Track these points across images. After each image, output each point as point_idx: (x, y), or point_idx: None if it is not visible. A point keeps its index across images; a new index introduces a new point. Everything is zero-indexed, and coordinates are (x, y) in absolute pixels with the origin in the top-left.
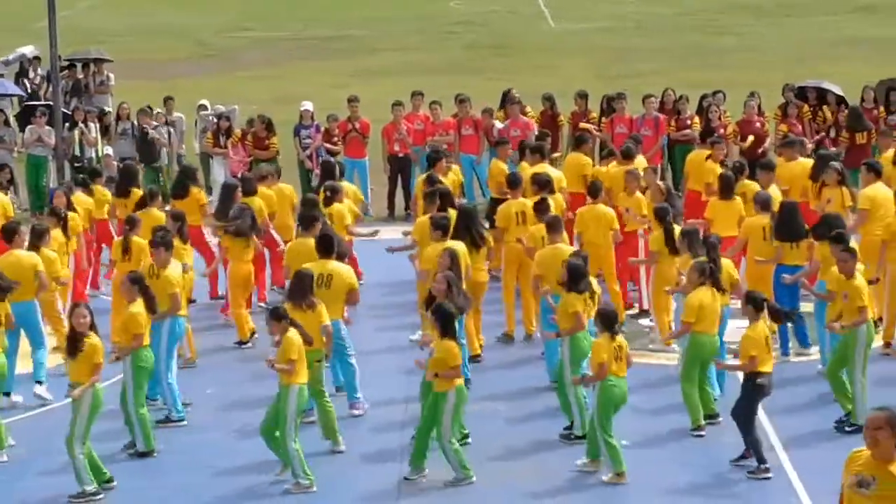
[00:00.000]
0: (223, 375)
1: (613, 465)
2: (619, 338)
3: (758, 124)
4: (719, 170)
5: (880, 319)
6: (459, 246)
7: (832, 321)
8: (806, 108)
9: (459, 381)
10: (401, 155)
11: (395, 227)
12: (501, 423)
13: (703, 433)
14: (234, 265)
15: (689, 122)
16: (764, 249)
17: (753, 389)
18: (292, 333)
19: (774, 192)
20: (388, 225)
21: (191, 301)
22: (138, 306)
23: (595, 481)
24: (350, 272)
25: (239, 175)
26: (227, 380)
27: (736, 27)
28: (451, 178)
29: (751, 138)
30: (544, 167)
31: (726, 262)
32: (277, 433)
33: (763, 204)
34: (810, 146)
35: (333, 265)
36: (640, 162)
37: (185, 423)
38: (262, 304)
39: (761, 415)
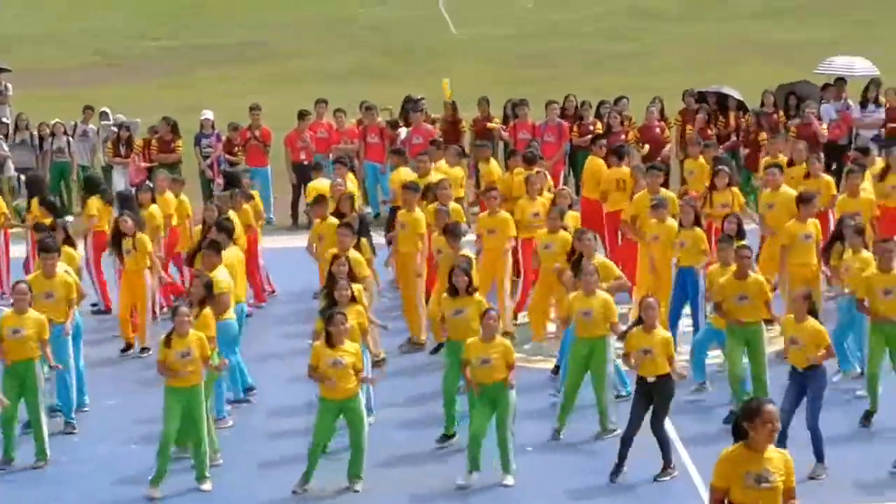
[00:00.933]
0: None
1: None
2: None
3: (657, 130)
4: (619, 176)
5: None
6: (353, 253)
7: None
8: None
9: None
10: (305, 163)
11: (300, 236)
12: (401, 430)
13: None
14: (125, 274)
15: (591, 127)
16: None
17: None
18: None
19: (669, 195)
20: (291, 233)
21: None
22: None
23: (491, 485)
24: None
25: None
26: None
27: (636, 32)
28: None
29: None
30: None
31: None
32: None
33: (656, 206)
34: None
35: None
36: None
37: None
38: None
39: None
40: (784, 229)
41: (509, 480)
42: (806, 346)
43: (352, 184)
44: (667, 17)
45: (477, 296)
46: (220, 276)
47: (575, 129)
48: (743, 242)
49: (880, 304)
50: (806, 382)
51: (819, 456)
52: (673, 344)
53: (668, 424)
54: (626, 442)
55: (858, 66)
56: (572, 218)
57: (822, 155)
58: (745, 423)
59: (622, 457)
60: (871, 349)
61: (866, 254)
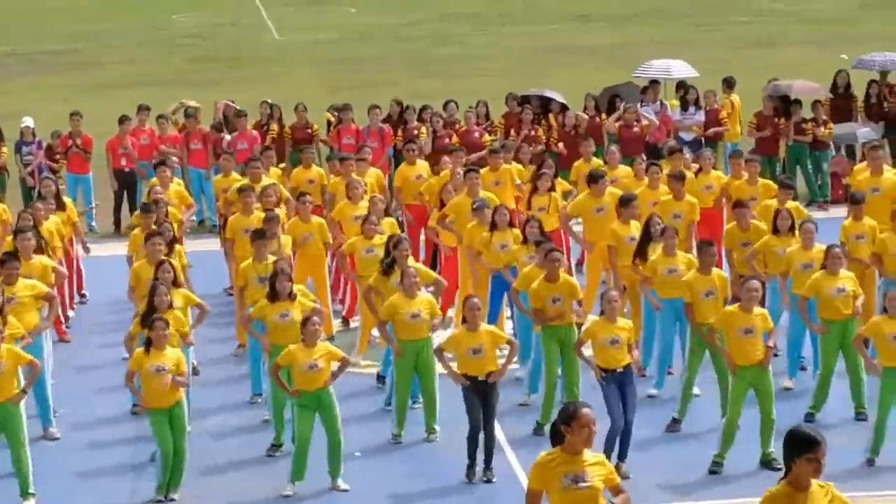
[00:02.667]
0: None
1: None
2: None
3: (476, 134)
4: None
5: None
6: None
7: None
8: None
9: None
10: (126, 170)
11: (122, 242)
12: (228, 438)
13: None
14: None
15: (415, 132)
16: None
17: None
18: None
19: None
20: (113, 240)
21: None
22: None
23: (314, 492)
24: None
25: None
26: None
27: (459, 36)
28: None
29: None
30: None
31: None
32: None
33: (478, 209)
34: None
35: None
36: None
37: None
38: None
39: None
40: (609, 231)
41: (344, 485)
42: (623, 344)
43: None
44: (490, 22)
45: (300, 299)
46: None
47: (399, 133)
48: (552, 246)
49: (700, 306)
50: (624, 381)
51: (623, 454)
52: (502, 333)
53: (497, 427)
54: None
55: (675, 69)
56: (389, 224)
57: (644, 157)
58: (562, 426)
59: (471, 455)
60: (690, 360)
61: (682, 255)
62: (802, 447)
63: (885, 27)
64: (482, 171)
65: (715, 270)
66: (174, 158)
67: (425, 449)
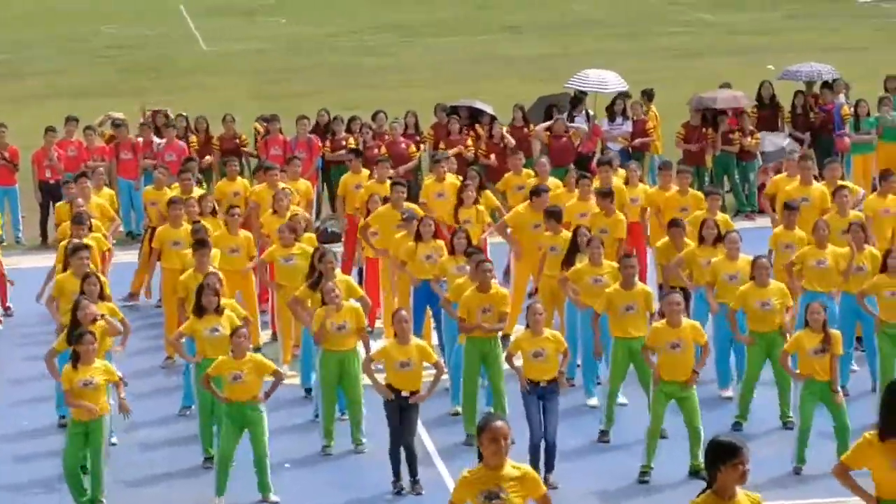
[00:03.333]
0: None
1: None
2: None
3: (403, 145)
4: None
5: None
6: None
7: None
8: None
9: None
10: (52, 181)
11: (49, 255)
12: (155, 450)
13: None
14: None
15: (343, 143)
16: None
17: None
18: None
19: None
20: (40, 252)
21: None
22: None
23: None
24: None
25: None
26: None
27: (388, 47)
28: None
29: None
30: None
31: None
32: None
33: (407, 220)
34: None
35: None
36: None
37: None
38: None
39: (420, 428)
40: (544, 239)
41: (274, 497)
42: (548, 357)
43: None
44: (420, 32)
45: (228, 313)
46: None
47: (327, 143)
48: (483, 257)
49: (620, 320)
50: (546, 395)
51: (550, 465)
52: (431, 351)
53: (425, 438)
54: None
55: (611, 81)
56: (308, 239)
57: (573, 167)
58: (477, 439)
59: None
60: (612, 371)
61: (608, 265)
62: (726, 455)
63: (810, 38)
64: (427, 180)
65: (640, 285)
66: (101, 170)
67: (354, 460)
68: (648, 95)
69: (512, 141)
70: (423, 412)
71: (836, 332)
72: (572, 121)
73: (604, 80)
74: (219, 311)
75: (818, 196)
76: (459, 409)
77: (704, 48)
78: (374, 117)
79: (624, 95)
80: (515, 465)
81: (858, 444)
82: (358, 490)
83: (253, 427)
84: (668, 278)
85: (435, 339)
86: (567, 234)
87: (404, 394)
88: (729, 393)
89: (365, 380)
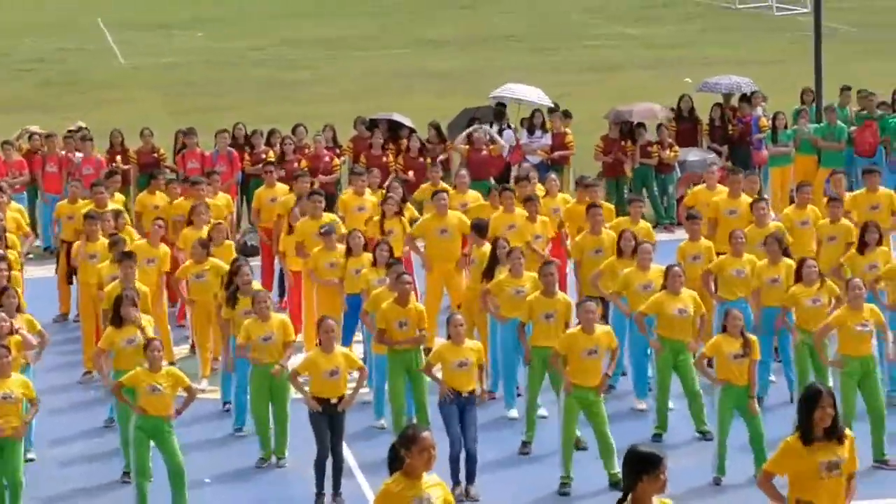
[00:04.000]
0: None
1: None
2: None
3: (326, 158)
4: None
5: None
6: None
7: None
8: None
9: None
10: None
11: None
12: (76, 465)
13: None
14: None
15: (263, 156)
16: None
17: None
18: None
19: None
20: None
21: None
22: None
23: None
24: None
25: None
26: None
27: (307, 61)
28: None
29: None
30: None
31: None
32: None
33: (325, 234)
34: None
35: None
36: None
37: None
38: None
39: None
40: (450, 252)
41: None
42: (471, 368)
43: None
44: (339, 46)
45: (143, 323)
46: None
47: (247, 157)
48: (403, 269)
49: (539, 328)
50: (465, 406)
51: (471, 477)
52: (355, 357)
53: (346, 452)
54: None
55: (533, 94)
56: (227, 248)
57: (492, 180)
58: (402, 450)
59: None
60: (530, 381)
61: (529, 276)
62: (644, 465)
63: (728, 51)
64: (345, 194)
65: (560, 294)
66: (24, 181)
67: (276, 474)
68: (564, 114)
69: (435, 154)
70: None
71: (754, 338)
72: (501, 134)
73: (527, 93)
74: (137, 322)
75: (745, 208)
76: (384, 422)
77: (623, 61)
78: (294, 130)
79: (549, 109)
80: (430, 475)
81: (781, 449)
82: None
83: (164, 441)
84: (586, 287)
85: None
86: (488, 247)
87: (333, 401)
88: (643, 406)
89: (293, 393)
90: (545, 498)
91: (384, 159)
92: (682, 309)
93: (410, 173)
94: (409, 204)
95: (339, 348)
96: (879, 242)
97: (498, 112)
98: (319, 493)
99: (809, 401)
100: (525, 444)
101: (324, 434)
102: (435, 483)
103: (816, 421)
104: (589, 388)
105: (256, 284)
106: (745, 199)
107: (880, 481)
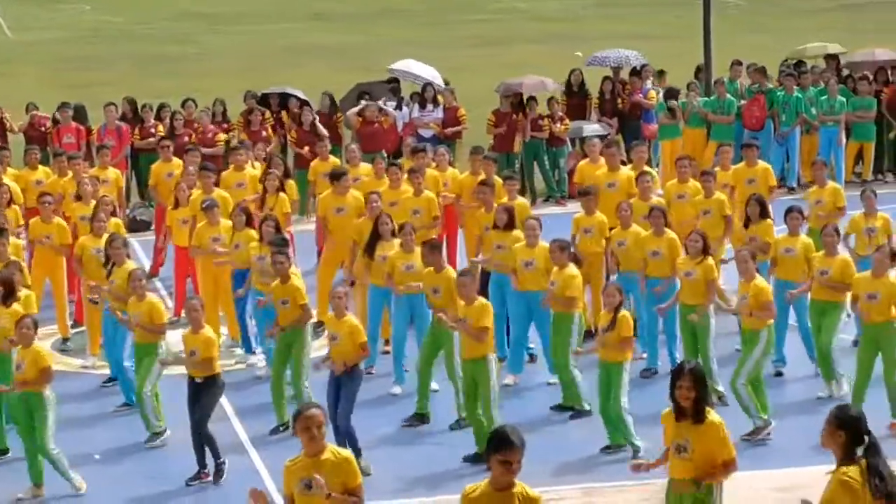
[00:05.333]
0: None
1: None
2: None
3: (210, 134)
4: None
5: None
6: None
7: None
8: (268, 114)
9: None
10: None
11: None
12: None
13: None
14: None
15: (152, 130)
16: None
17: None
18: None
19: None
20: None
21: None
22: None
23: (55, 494)
24: None
25: None
26: None
27: (194, 35)
28: None
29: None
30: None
31: None
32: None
33: (207, 208)
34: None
35: None
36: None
37: None
38: None
39: (231, 416)
40: (354, 226)
41: (80, 487)
42: (339, 342)
43: None
44: (228, 20)
45: (15, 306)
46: None
47: (136, 131)
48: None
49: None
50: (342, 383)
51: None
52: (216, 345)
53: (237, 427)
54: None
55: (428, 73)
56: (114, 225)
57: (385, 154)
58: (293, 430)
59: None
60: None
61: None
62: (497, 447)
63: (618, 25)
64: (226, 171)
65: (447, 269)
66: None
67: (162, 450)
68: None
69: (324, 132)
70: (236, 401)
71: (624, 315)
72: (399, 109)
73: (425, 71)
74: (10, 301)
75: (624, 181)
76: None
77: (512, 35)
78: (183, 105)
79: (426, 83)
80: (336, 450)
81: (661, 416)
82: (170, 481)
83: (35, 414)
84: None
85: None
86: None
87: (198, 379)
88: (514, 380)
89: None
90: (438, 472)
91: (264, 133)
92: (553, 282)
93: (305, 148)
94: (290, 181)
95: (206, 331)
96: (763, 216)
97: (392, 88)
98: (202, 465)
99: (672, 376)
100: (419, 415)
101: (191, 411)
102: (333, 462)
103: (677, 398)
104: (470, 360)
105: (131, 263)
106: (625, 172)
107: None
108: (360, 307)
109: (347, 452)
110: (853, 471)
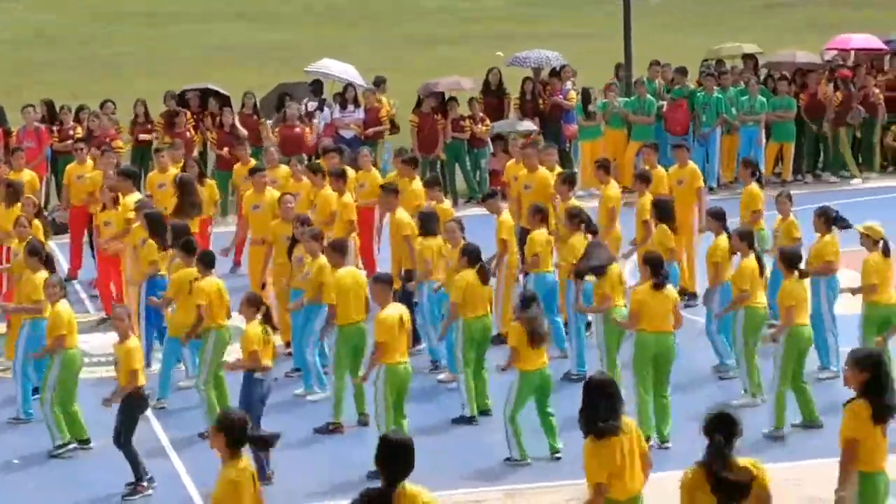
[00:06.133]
0: None
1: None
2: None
3: (109, 140)
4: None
5: None
6: None
7: None
8: (189, 114)
9: None
10: None
11: None
12: None
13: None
14: None
15: (71, 132)
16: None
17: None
18: None
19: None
20: None
21: None
22: None
23: None
24: None
25: None
26: None
27: (128, 35)
28: None
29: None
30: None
31: None
32: None
33: (143, 208)
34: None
35: None
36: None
37: None
38: None
39: (153, 420)
40: (270, 228)
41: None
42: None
43: None
44: (159, 21)
45: None
46: None
47: (55, 133)
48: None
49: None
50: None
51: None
52: (138, 356)
53: (158, 430)
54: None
55: (348, 72)
56: (35, 227)
57: (304, 157)
58: None
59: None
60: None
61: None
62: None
63: (539, 25)
64: (152, 172)
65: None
66: None
67: (84, 456)
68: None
69: (244, 133)
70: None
71: (512, 325)
72: (321, 109)
73: (344, 72)
74: None
75: (539, 181)
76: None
77: (434, 36)
78: (101, 106)
79: (347, 84)
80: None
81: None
82: (89, 488)
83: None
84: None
85: None
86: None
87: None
88: (444, 377)
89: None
90: (352, 478)
91: (188, 134)
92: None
93: (225, 150)
94: (210, 182)
95: (131, 341)
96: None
97: (315, 89)
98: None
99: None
100: (332, 424)
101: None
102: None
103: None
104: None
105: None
106: (543, 173)
107: None
108: (281, 311)
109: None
110: (861, 403)
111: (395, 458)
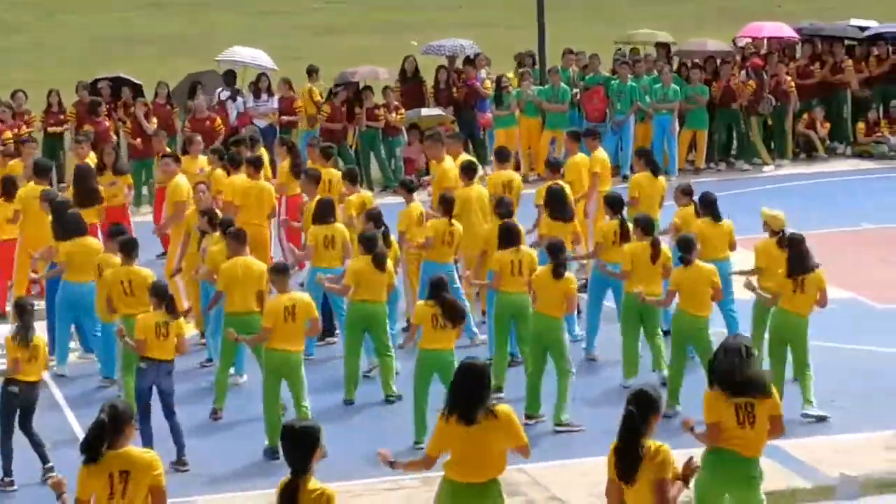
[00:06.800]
0: None
1: None
2: None
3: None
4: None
5: None
6: None
7: None
8: (104, 105)
9: None
10: None
11: None
12: None
13: None
14: None
15: None
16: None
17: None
18: None
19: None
20: None
21: None
22: None
23: None
24: None
25: None
26: None
27: (25, 25)
28: None
29: None
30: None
31: None
32: None
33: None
34: None
35: None
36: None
37: None
38: None
39: (65, 408)
40: (186, 217)
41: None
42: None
43: None
44: (59, 9)
45: None
46: None
47: None
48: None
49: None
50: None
51: (180, 450)
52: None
53: (71, 419)
54: None
55: (261, 58)
56: None
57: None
58: None
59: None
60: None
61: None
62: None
63: (452, 14)
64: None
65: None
66: None
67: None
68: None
69: (149, 126)
70: (70, 391)
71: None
72: (234, 99)
73: (254, 57)
74: None
75: (440, 173)
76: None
77: (347, 25)
78: (13, 96)
79: (261, 73)
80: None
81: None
82: None
83: None
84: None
85: None
86: None
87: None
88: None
89: None
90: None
91: (107, 124)
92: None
93: (138, 140)
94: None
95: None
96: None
97: (227, 79)
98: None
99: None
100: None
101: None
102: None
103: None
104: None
105: None
106: (447, 164)
107: None
108: (193, 301)
109: (151, 451)
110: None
111: (296, 446)
